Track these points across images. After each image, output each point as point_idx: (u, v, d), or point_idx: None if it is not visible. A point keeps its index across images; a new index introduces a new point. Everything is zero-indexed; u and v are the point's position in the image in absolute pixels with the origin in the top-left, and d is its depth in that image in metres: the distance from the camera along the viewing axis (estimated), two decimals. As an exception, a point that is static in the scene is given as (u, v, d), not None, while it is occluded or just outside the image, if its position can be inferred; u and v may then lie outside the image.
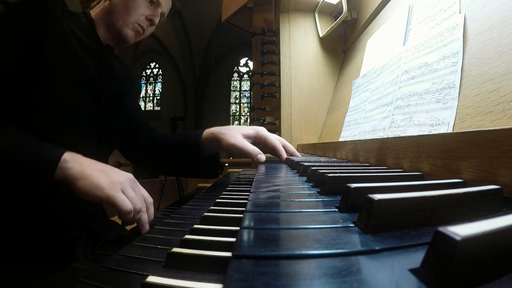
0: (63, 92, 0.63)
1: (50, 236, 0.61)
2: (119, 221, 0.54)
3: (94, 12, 0.75)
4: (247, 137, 0.76)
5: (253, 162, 0.85)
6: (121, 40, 0.76)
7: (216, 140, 0.77)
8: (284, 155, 0.79)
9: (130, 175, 0.52)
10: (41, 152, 0.49)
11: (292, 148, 0.84)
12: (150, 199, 0.53)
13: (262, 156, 0.73)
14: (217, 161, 0.87)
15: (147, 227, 0.51)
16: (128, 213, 0.47)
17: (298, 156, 0.82)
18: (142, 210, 0.50)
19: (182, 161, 0.84)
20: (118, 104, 0.79)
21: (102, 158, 0.77)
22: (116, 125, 0.79)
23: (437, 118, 0.52)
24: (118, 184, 0.48)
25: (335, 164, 0.61)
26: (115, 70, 0.79)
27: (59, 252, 0.61)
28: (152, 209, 0.53)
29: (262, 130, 0.79)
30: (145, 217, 0.51)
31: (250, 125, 1.60)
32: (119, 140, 0.85)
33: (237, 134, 0.75)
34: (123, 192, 0.48)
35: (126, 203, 0.47)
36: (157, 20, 0.78)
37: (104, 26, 0.74)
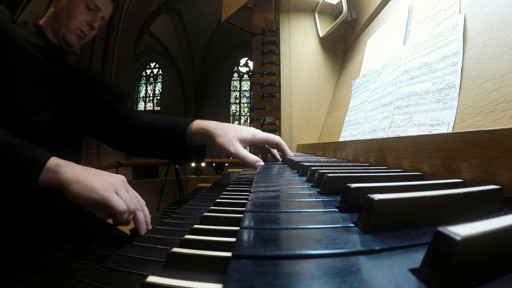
0: (18, 82, 0.67)
1: (33, 237, 0.63)
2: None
3: (43, 19, 0.81)
4: (243, 141, 0.76)
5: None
6: (65, 44, 0.80)
7: (209, 138, 0.77)
8: (289, 152, 0.80)
9: (122, 177, 0.53)
10: (28, 153, 0.50)
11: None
12: (142, 201, 0.54)
13: (261, 163, 0.73)
14: (203, 151, 0.87)
15: (144, 226, 0.51)
16: (123, 213, 0.48)
17: (292, 156, 0.82)
18: (137, 208, 0.51)
19: (164, 147, 0.84)
20: (76, 89, 0.82)
21: (68, 139, 0.79)
22: (75, 108, 0.80)
23: (437, 118, 0.52)
24: (111, 186, 0.49)
25: (335, 164, 0.61)
26: (69, 64, 0.83)
27: (42, 253, 0.61)
28: (146, 209, 0.54)
29: (260, 133, 0.79)
30: (141, 216, 0.51)
31: (250, 125, 1.60)
32: (83, 121, 0.85)
33: (233, 139, 0.74)
34: (116, 194, 0.49)
35: (120, 203, 0.48)
36: (97, 25, 0.82)
37: (50, 31, 0.79)
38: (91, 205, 0.48)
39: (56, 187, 0.50)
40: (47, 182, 0.49)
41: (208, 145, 0.86)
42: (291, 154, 0.83)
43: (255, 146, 0.80)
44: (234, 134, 0.76)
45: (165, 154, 0.92)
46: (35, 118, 0.70)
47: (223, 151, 0.75)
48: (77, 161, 0.84)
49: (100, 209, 0.48)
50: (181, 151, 0.83)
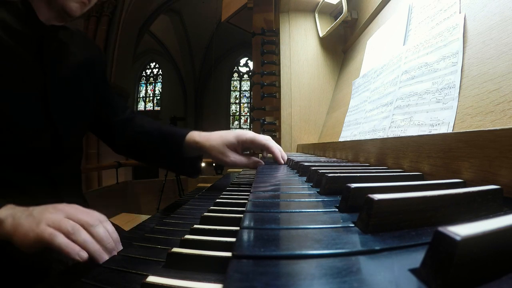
0: None
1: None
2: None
3: None
4: (230, 146, 0.75)
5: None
6: (65, 15, 0.66)
7: (203, 151, 0.77)
8: (279, 155, 0.77)
9: (92, 215, 0.44)
10: None
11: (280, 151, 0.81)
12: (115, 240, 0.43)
13: (261, 162, 0.74)
14: (198, 163, 0.85)
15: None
16: (74, 255, 0.39)
17: (282, 162, 0.79)
18: (101, 252, 0.40)
19: (162, 157, 0.82)
20: (75, 88, 0.71)
21: (67, 155, 0.70)
22: (75, 114, 0.72)
23: (437, 118, 0.52)
24: (52, 223, 0.41)
25: (335, 164, 0.61)
26: (67, 51, 0.71)
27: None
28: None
29: (245, 134, 0.76)
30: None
31: (250, 124, 1.59)
32: (82, 126, 0.77)
33: (223, 148, 0.74)
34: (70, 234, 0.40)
35: (69, 246, 0.39)
36: None
37: (44, 4, 0.64)
38: (36, 248, 0.41)
39: (6, 240, 0.44)
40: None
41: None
42: (284, 155, 0.78)
43: (244, 148, 0.78)
44: (221, 142, 0.75)
45: (160, 165, 0.90)
46: (27, 145, 0.60)
47: (220, 163, 0.77)
48: (80, 164, 0.81)
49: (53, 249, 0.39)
50: (176, 165, 0.83)
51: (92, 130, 0.85)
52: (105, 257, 0.40)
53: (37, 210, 0.44)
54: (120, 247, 0.43)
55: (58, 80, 0.67)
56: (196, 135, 0.78)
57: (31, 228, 0.41)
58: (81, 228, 0.41)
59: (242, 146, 0.77)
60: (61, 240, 0.39)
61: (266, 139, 0.77)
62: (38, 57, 0.63)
